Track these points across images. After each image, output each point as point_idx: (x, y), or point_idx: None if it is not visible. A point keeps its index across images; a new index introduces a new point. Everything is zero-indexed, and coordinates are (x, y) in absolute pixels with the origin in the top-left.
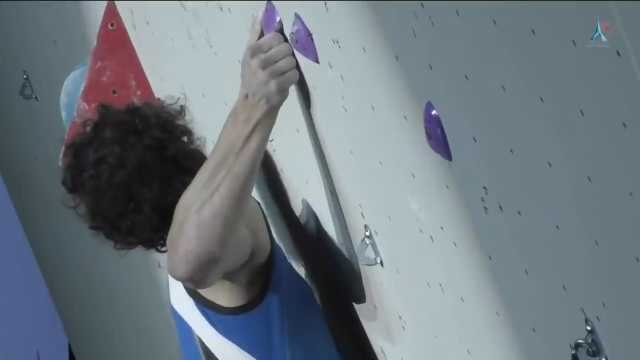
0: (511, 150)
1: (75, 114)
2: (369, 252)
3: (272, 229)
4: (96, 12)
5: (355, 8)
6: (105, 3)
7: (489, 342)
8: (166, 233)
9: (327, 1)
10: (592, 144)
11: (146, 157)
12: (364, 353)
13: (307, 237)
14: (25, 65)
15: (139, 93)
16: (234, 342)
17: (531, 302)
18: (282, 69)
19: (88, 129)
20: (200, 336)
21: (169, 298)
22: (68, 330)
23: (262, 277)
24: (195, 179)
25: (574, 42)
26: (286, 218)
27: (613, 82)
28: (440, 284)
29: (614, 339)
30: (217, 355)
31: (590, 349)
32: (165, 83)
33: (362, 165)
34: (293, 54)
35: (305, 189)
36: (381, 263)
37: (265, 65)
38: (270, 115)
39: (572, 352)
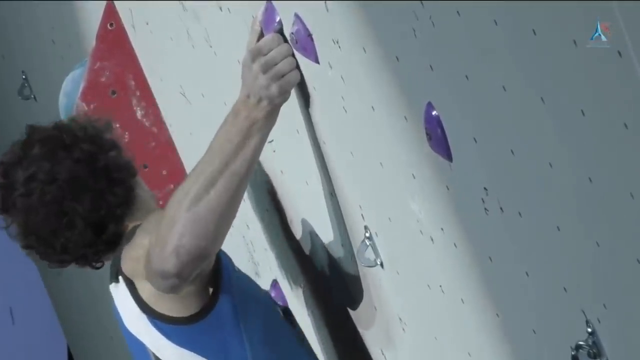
0: (512, 151)
1: (74, 114)
2: (369, 254)
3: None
4: (95, 12)
5: (356, 8)
6: (104, 3)
7: (490, 343)
8: (99, 248)
9: (327, 1)
10: (593, 144)
11: (77, 171)
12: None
13: (305, 250)
14: (24, 66)
15: (138, 93)
16: (191, 350)
17: (532, 304)
18: (282, 71)
19: (16, 148)
20: (154, 351)
21: (120, 321)
22: (67, 332)
23: (211, 284)
24: (190, 174)
25: (574, 42)
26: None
27: (614, 83)
28: (440, 286)
29: (614, 341)
30: None
31: (591, 351)
32: (165, 83)
33: (362, 166)
34: (293, 55)
35: (305, 190)
36: (381, 264)
37: (266, 68)
38: (271, 115)
39: (573, 353)
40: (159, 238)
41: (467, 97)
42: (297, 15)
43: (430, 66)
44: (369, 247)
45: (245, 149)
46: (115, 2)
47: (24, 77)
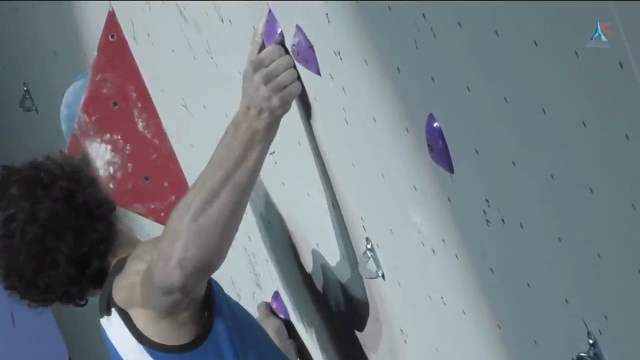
0: (513, 163)
1: (75, 126)
2: (371, 265)
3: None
4: (96, 24)
5: (357, 19)
6: (105, 14)
7: (491, 354)
8: (84, 285)
9: (329, 1)
10: (594, 155)
11: (57, 209)
12: None
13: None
14: (25, 77)
15: (139, 105)
16: None
17: (533, 315)
18: (284, 82)
19: None
20: None
21: (114, 354)
22: (68, 343)
23: (204, 310)
24: (192, 188)
25: (576, 53)
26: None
27: (615, 94)
28: (442, 297)
29: (616, 352)
30: None
31: None
32: (166, 95)
33: (364, 177)
34: (294, 66)
35: (306, 202)
36: (383, 276)
37: (267, 79)
38: (272, 127)
39: None
40: (161, 253)
41: (469, 108)
42: (298, 27)
43: (432, 77)
44: (371, 259)
45: (247, 160)
46: (116, 13)
47: (25, 88)
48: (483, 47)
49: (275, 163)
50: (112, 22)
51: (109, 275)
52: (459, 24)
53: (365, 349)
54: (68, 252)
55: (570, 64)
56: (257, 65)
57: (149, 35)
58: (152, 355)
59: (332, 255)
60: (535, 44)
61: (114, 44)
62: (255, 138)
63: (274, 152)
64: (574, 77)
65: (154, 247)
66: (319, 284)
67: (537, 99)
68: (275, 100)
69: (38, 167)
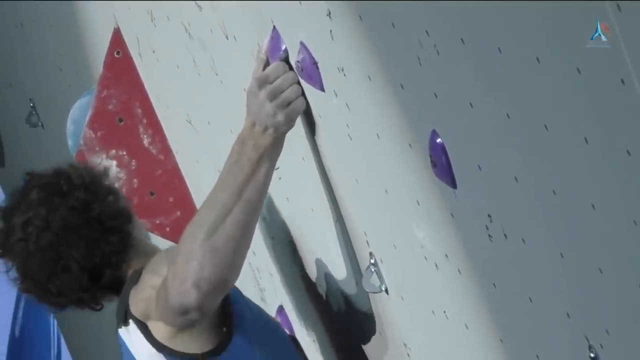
0: (516, 179)
1: (81, 142)
2: (374, 280)
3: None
4: (102, 40)
5: (361, 36)
6: (111, 31)
7: None
8: (96, 292)
9: (330, 9)
10: (596, 171)
11: (70, 219)
12: None
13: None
14: (31, 93)
15: (144, 121)
16: None
17: (535, 329)
18: (289, 99)
19: (16, 193)
20: None
21: None
22: (73, 355)
23: (224, 316)
24: (202, 208)
25: (578, 70)
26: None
27: (617, 110)
28: (444, 312)
29: None
30: None
31: None
32: (171, 111)
33: (367, 192)
34: (299, 82)
35: (310, 217)
36: (386, 291)
37: (272, 96)
38: (277, 143)
39: None
40: (175, 273)
41: (472, 124)
42: (302, 44)
43: (435, 94)
44: (374, 274)
45: (256, 176)
46: (121, 30)
47: (31, 104)
48: (486, 64)
49: (280, 179)
50: (117, 39)
51: (126, 284)
52: (462, 40)
53: None
54: (80, 259)
55: (572, 81)
56: (262, 82)
57: (154, 52)
58: None
59: (336, 270)
60: (538, 60)
61: (120, 60)
62: (263, 155)
63: (278, 168)
64: (575, 93)
65: (168, 261)
66: (322, 298)
67: (539, 115)
68: (280, 117)
69: (60, 174)
